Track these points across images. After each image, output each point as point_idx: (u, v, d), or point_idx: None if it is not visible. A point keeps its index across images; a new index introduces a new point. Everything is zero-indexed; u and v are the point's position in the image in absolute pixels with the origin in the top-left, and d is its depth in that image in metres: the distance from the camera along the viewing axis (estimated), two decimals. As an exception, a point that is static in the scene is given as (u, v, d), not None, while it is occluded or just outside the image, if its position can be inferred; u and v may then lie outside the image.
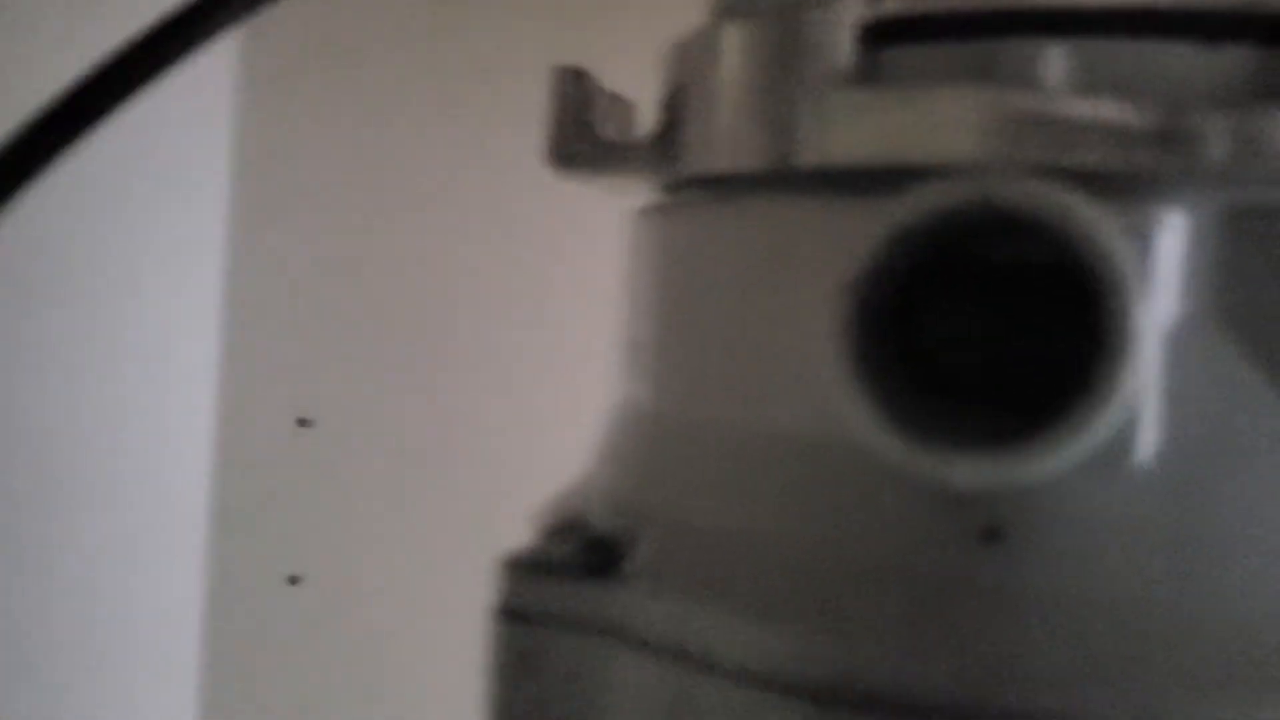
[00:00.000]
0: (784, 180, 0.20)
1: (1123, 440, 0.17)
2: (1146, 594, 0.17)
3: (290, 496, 0.72)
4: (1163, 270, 0.17)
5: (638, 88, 0.25)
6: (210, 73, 0.73)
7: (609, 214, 0.26)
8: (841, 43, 0.19)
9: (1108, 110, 0.17)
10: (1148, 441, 0.17)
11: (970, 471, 0.14)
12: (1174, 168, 0.17)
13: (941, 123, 0.18)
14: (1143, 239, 0.17)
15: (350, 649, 0.71)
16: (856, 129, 0.19)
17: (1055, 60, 0.18)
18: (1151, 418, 0.17)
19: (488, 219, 0.68)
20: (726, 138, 0.21)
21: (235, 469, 0.73)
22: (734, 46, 0.21)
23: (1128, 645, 0.16)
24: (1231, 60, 0.17)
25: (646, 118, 0.25)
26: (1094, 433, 0.14)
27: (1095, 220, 0.14)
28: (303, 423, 0.71)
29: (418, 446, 0.70)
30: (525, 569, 0.21)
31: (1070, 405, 0.14)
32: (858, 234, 0.16)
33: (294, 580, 0.72)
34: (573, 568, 0.20)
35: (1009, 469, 0.14)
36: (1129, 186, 0.17)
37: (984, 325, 0.17)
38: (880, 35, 0.19)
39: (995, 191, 0.14)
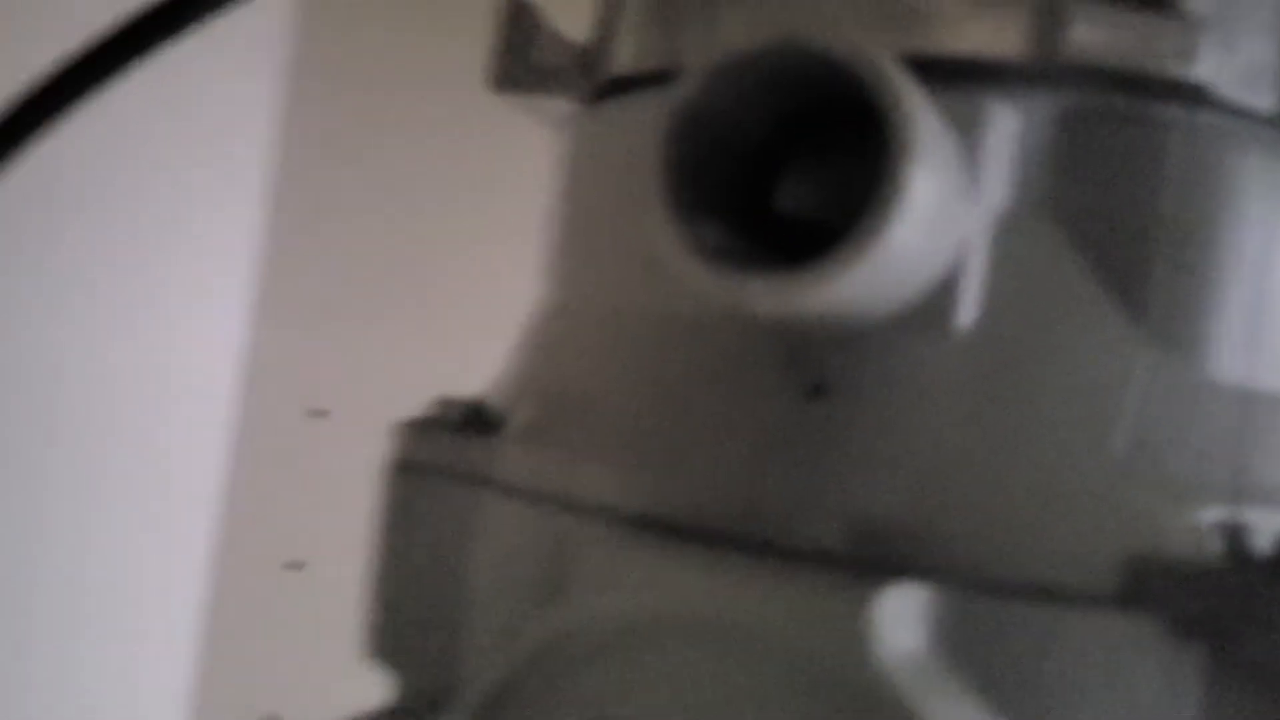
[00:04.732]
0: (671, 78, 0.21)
1: (943, 304, 0.18)
2: (959, 446, 0.18)
3: (298, 485, 0.74)
4: (992, 157, 0.18)
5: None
6: (258, 73, 0.76)
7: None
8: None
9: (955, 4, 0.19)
10: (968, 307, 0.18)
11: (758, 292, 0.16)
12: (1004, 54, 0.18)
13: (807, 17, 0.19)
14: (976, 126, 0.18)
15: (347, 635, 0.72)
16: (738, 28, 0.20)
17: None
18: (972, 286, 0.18)
19: (512, 222, 0.70)
20: (629, 44, 0.22)
21: (248, 456, 0.75)
22: None
23: (941, 493, 0.18)
24: None
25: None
26: (860, 272, 0.15)
27: (886, 71, 0.16)
28: (317, 413, 0.73)
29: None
30: (415, 428, 0.22)
31: (841, 244, 0.15)
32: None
33: (296, 566, 0.73)
34: (457, 427, 0.22)
35: (788, 292, 0.16)
36: (971, 80, 0.19)
37: (824, 181, 0.18)
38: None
39: (800, 37, 0.15)
